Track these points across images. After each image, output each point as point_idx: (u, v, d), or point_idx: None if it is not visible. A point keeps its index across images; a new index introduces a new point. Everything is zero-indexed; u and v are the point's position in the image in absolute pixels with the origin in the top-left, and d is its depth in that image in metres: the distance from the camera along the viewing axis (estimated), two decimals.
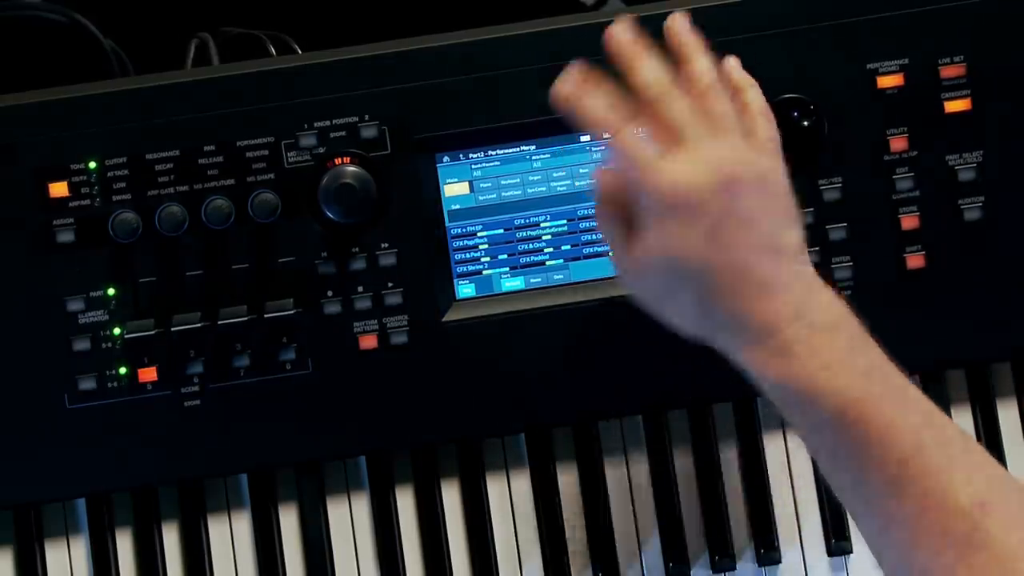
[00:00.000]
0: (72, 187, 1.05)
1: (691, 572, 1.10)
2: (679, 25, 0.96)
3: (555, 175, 1.09)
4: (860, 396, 0.86)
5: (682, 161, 0.88)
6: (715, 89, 0.92)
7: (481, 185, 1.09)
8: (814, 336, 0.88)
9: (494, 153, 1.09)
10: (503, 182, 1.09)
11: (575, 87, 0.93)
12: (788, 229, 0.91)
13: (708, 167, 0.88)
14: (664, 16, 1.07)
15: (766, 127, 0.94)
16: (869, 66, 1.08)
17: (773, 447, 1.12)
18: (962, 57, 1.08)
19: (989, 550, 0.81)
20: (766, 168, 0.91)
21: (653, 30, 1.07)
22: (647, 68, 0.92)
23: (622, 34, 0.94)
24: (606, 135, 0.91)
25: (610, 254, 0.94)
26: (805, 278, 0.90)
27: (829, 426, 0.87)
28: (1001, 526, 0.82)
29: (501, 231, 1.09)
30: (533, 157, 1.09)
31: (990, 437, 1.12)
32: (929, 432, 0.86)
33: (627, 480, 1.12)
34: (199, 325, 1.05)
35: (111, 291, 1.06)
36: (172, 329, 1.05)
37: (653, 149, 0.89)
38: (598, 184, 0.94)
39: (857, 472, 0.86)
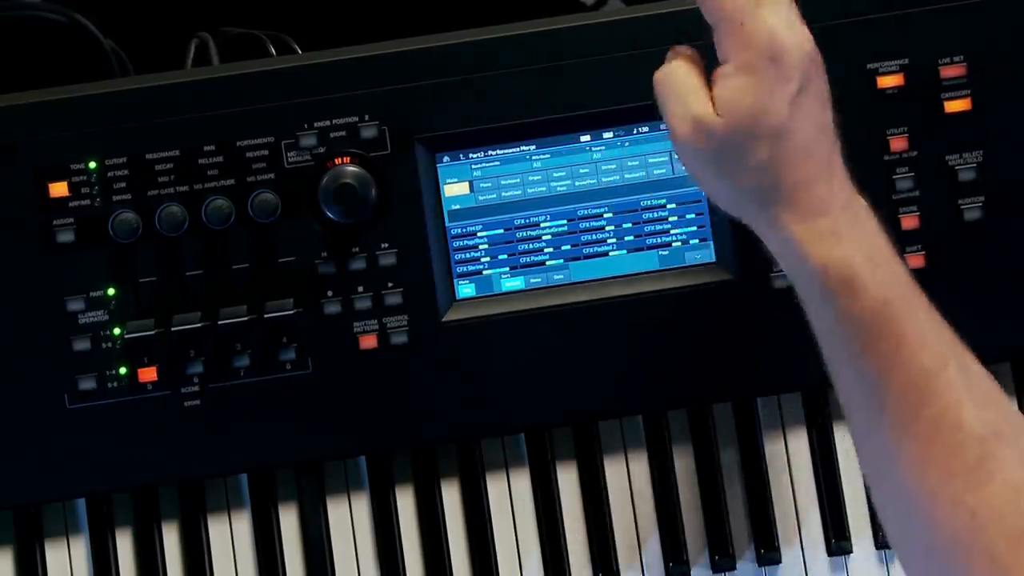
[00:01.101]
0: (72, 187, 1.05)
1: (691, 572, 1.10)
2: None
3: (555, 175, 1.09)
4: (900, 295, 0.86)
5: (785, 16, 0.88)
6: None
7: (481, 185, 1.09)
8: (862, 227, 0.88)
9: (494, 153, 1.09)
10: (503, 182, 1.09)
11: None
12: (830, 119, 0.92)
13: (805, 33, 0.88)
14: (664, 16, 1.08)
15: None
16: (869, 66, 1.08)
17: (773, 447, 1.12)
18: (962, 57, 1.08)
19: (1000, 481, 0.80)
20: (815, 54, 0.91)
21: (653, 30, 1.07)
22: None
23: None
24: None
25: (672, 110, 0.92)
26: (840, 160, 0.91)
27: (862, 319, 0.86)
28: (1014, 459, 0.81)
29: (501, 231, 1.09)
30: (533, 157, 1.09)
31: None
32: (955, 353, 0.86)
33: (627, 480, 1.12)
34: (199, 325, 1.05)
35: (111, 291, 1.06)
36: (172, 329, 1.05)
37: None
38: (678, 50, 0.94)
39: (879, 375, 0.85)
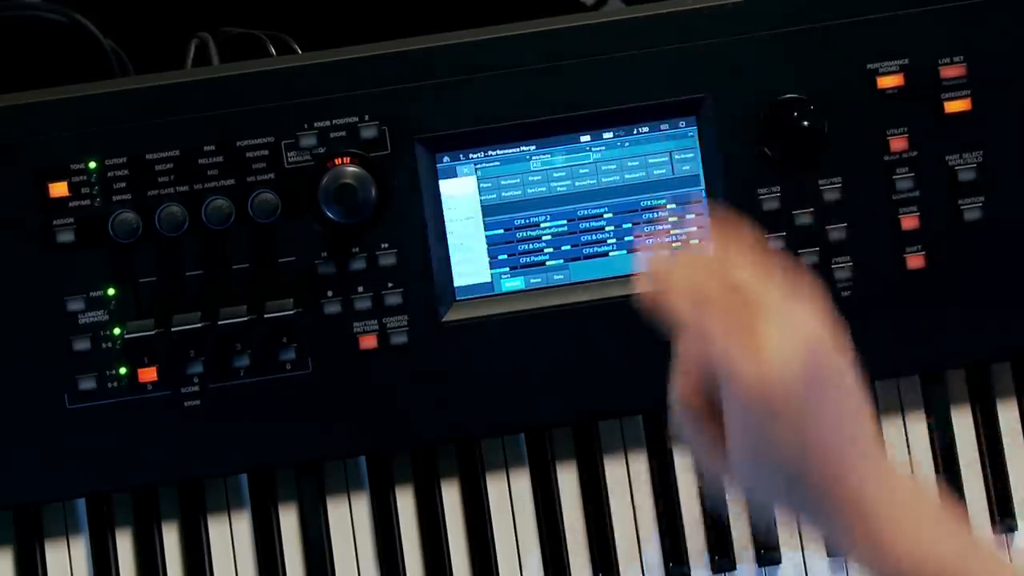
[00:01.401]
0: (72, 187, 1.05)
1: (691, 572, 1.10)
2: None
3: (555, 175, 1.09)
4: (954, 565, 0.83)
5: (767, 355, 0.81)
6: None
7: (481, 185, 1.09)
8: (904, 517, 0.84)
9: (494, 153, 1.09)
10: (503, 182, 1.09)
11: (657, 281, 0.85)
12: (865, 420, 0.86)
13: (796, 360, 0.81)
14: (664, 16, 1.08)
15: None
16: (869, 66, 1.08)
17: None
18: (962, 57, 1.08)
19: None
20: (838, 356, 0.85)
21: (653, 30, 1.07)
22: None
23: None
24: (691, 333, 0.84)
25: (702, 456, 0.88)
26: (885, 460, 0.86)
27: None
28: None
29: (501, 231, 1.09)
30: (533, 157, 1.09)
31: (990, 437, 1.12)
32: None
33: (627, 480, 1.12)
34: (199, 325, 1.05)
35: (111, 291, 1.06)
36: (172, 329, 1.05)
37: (739, 348, 0.82)
38: (677, 388, 0.87)
39: None
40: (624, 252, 1.09)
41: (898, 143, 1.08)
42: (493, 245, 1.09)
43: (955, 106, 1.08)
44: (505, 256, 1.09)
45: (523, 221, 1.09)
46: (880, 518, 0.85)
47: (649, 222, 1.09)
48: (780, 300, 0.83)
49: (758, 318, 0.82)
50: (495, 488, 1.11)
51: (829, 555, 1.11)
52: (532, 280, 1.09)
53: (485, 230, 1.09)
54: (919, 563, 0.84)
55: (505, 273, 1.09)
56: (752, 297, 0.83)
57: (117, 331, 1.06)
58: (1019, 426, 1.13)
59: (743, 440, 0.84)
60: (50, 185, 1.05)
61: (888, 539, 0.84)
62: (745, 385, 0.81)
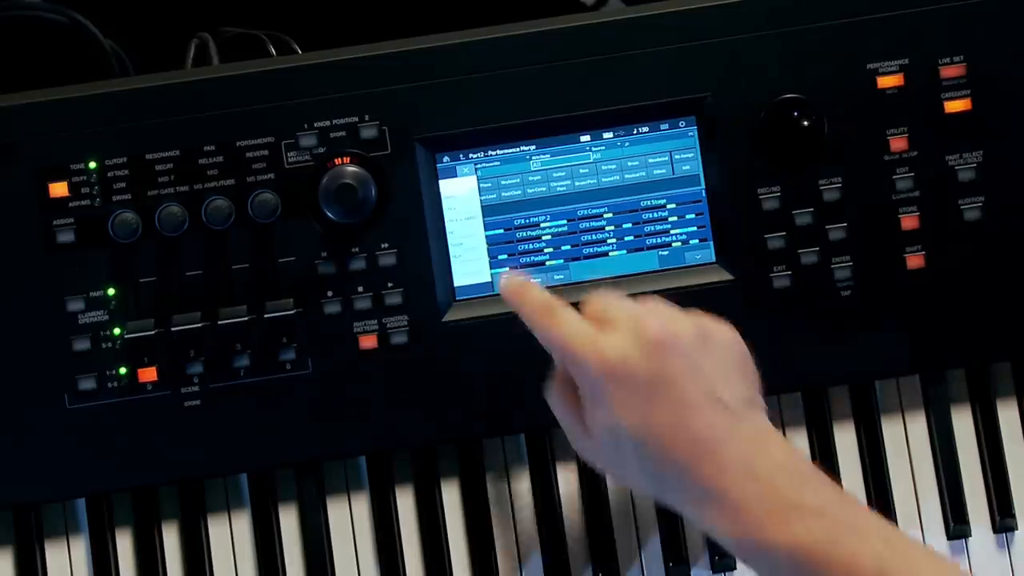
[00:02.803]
0: (72, 187, 1.05)
1: (691, 572, 1.10)
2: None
3: (555, 175, 1.09)
4: (817, 538, 0.85)
5: (609, 334, 0.91)
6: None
7: (481, 185, 1.09)
8: (760, 489, 0.87)
9: (494, 153, 1.09)
10: (503, 182, 1.09)
11: (517, 280, 0.98)
12: (729, 383, 0.91)
13: (633, 335, 0.91)
14: (664, 16, 1.08)
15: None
16: (869, 66, 1.08)
17: None
18: (962, 57, 1.08)
19: None
20: (690, 330, 0.92)
21: (653, 31, 1.07)
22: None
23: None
24: (540, 323, 0.95)
25: (570, 439, 0.98)
26: (752, 428, 0.90)
27: (791, 572, 0.86)
28: None
29: (501, 231, 1.09)
30: (533, 157, 1.09)
31: (990, 437, 1.12)
32: (890, 554, 0.85)
33: None
34: (199, 325, 1.05)
35: (111, 291, 1.06)
36: (172, 329, 1.05)
37: (583, 326, 0.93)
38: (553, 373, 0.97)
39: None
40: (624, 252, 1.09)
41: (898, 143, 1.08)
42: (493, 245, 1.09)
43: (955, 106, 1.08)
44: (505, 256, 1.09)
45: (523, 221, 1.09)
46: (740, 501, 0.87)
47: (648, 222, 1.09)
48: (618, 302, 0.94)
49: (599, 308, 0.94)
50: (495, 488, 1.11)
51: None
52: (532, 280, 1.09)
53: (485, 230, 1.09)
54: (775, 529, 0.86)
55: (505, 273, 1.09)
56: (594, 301, 0.95)
57: (117, 331, 1.06)
58: (1019, 426, 1.13)
59: (594, 421, 0.92)
60: (50, 185, 1.05)
61: (753, 527, 0.86)
62: (584, 364, 0.91)
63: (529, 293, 0.97)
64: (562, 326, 0.93)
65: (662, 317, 0.92)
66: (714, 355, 0.92)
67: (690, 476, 0.88)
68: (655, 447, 0.89)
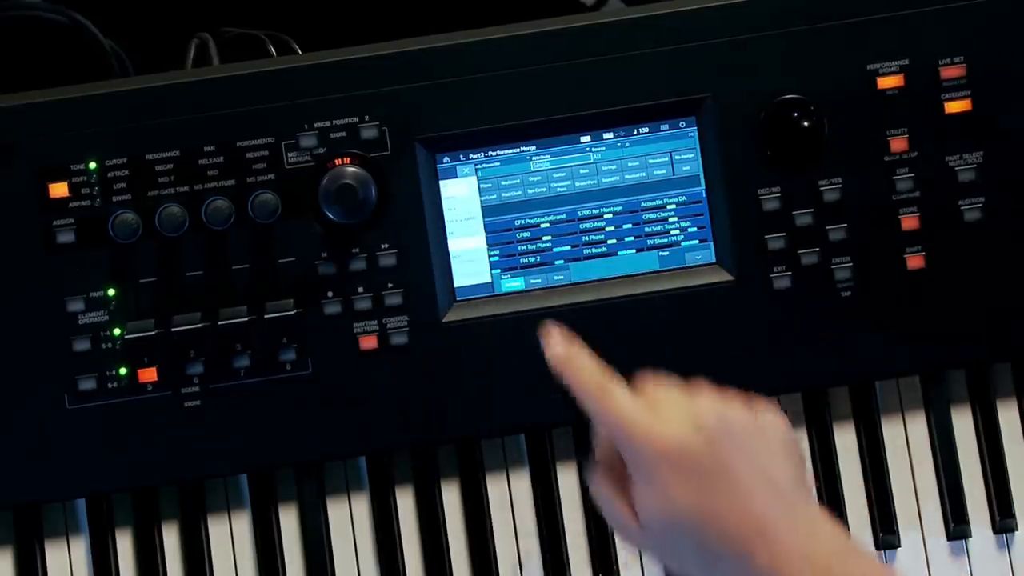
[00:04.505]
0: (72, 187, 1.05)
1: None
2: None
3: (555, 175, 1.09)
4: None
5: (665, 418, 0.89)
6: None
7: (481, 185, 1.09)
8: (816, 571, 0.85)
9: (494, 153, 1.09)
10: (503, 182, 1.09)
11: (565, 349, 0.94)
12: (782, 470, 0.90)
13: (691, 420, 0.88)
14: (664, 16, 1.08)
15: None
16: (869, 66, 1.08)
17: None
18: (962, 57, 1.08)
19: None
20: (744, 417, 0.91)
21: (653, 31, 1.07)
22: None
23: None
24: (593, 400, 0.91)
25: (613, 524, 0.94)
26: (805, 514, 0.89)
27: None
28: None
29: (501, 231, 1.09)
30: (533, 157, 1.09)
31: (990, 437, 1.12)
32: None
33: None
34: (199, 325, 1.05)
35: (111, 291, 1.06)
36: (172, 329, 1.05)
37: (638, 406, 0.90)
38: (595, 456, 0.94)
39: None
40: (624, 253, 1.09)
41: (898, 143, 1.08)
42: (493, 245, 1.09)
43: (955, 106, 1.08)
44: (505, 256, 1.09)
45: (523, 221, 1.09)
46: (791, 563, 0.86)
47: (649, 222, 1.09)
48: (670, 387, 0.91)
49: (652, 391, 0.90)
50: (495, 488, 1.11)
51: None
52: (532, 280, 1.09)
53: (485, 230, 1.09)
54: None
55: (505, 273, 1.09)
56: (647, 384, 0.91)
57: (117, 331, 1.06)
58: (1019, 426, 1.13)
59: (646, 504, 0.89)
60: (50, 185, 1.05)
61: None
62: (639, 445, 0.88)
63: (581, 364, 0.93)
64: (617, 405, 0.90)
65: (716, 404, 0.90)
66: (767, 442, 0.90)
67: (747, 561, 0.87)
68: (712, 532, 0.87)
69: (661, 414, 0.89)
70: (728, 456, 0.88)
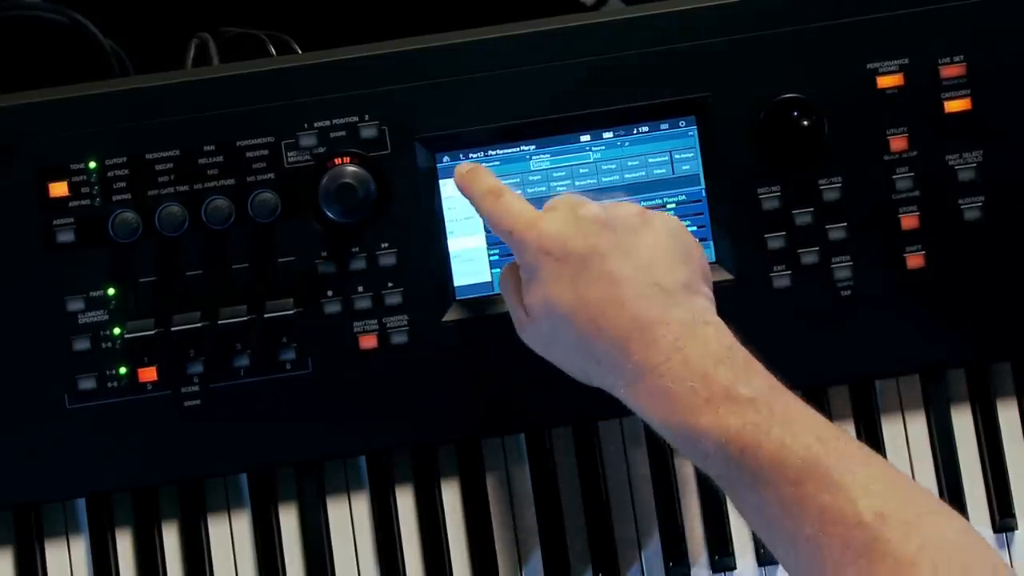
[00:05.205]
0: (72, 187, 1.05)
1: (691, 572, 1.10)
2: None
3: (555, 175, 1.09)
4: (745, 424, 0.86)
5: (550, 214, 0.95)
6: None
7: None
8: (691, 374, 0.88)
9: (494, 153, 1.09)
10: (503, 181, 1.09)
11: (468, 165, 1.02)
12: (667, 267, 0.92)
13: (572, 214, 0.94)
14: (664, 16, 1.08)
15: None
16: (869, 66, 1.08)
17: None
18: (962, 57, 1.08)
19: (890, 558, 0.80)
20: (629, 212, 0.95)
21: (653, 31, 1.07)
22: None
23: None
24: (487, 203, 0.98)
25: (514, 321, 1.01)
26: (688, 312, 0.91)
27: (719, 459, 0.87)
28: (900, 534, 0.81)
29: None
30: (533, 156, 1.09)
31: (990, 437, 1.12)
32: (822, 448, 0.85)
33: (627, 480, 1.12)
34: (199, 325, 1.05)
35: (111, 291, 1.06)
36: (172, 329, 1.05)
37: (526, 207, 0.96)
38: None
39: (755, 497, 0.86)
40: None
41: (898, 143, 1.08)
42: (493, 245, 1.09)
43: (955, 106, 1.08)
44: (505, 256, 1.09)
45: None
46: (671, 384, 0.88)
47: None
48: (568, 193, 0.99)
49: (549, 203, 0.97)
50: (495, 488, 1.11)
51: None
52: None
53: (485, 230, 1.09)
54: (704, 414, 0.87)
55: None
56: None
57: (117, 331, 1.06)
58: (1019, 426, 1.13)
59: (531, 299, 0.95)
60: (50, 185, 1.05)
61: (683, 411, 0.87)
62: (525, 241, 0.94)
63: (479, 177, 1.00)
64: (507, 208, 0.97)
65: (604, 204, 0.95)
66: (653, 238, 0.94)
67: (622, 354, 0.89)
68: (588, 323, 0.91)
69: (548, 213, 0.95)
70: (605, 247, 0.92)
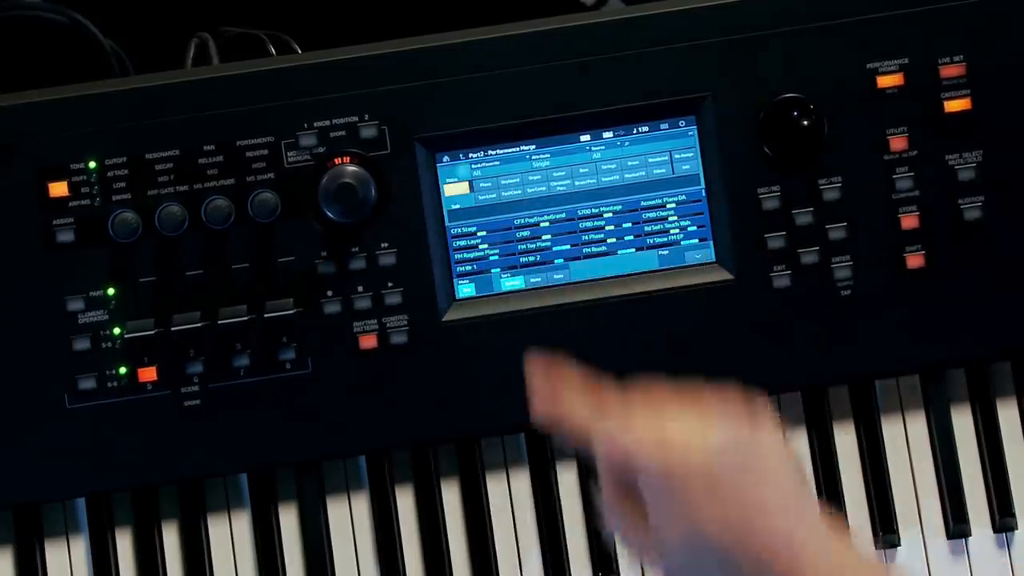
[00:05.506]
0: (72, 187, 1.05)
1: None
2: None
3: (555, 175, 1.09)
4: None
5: (673, 437, 0.83)
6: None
7: (481, 185, 1.09)
8: None
9: (494, 153, 1.09)
10: (503, 182, 1.09)
11: (547, 401, 0.88)
12: (791, 482, 0.85)
13: (703, 441, 0.83)
14: (664, 16, 1.08)
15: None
16: (869, 66, 1.08)
17: None
18: (962, 57, 1.08)
19: None
20: (753, 435, 0.85)
21: (653, 31, 1.07)
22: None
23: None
24: (596, 440, 0.86)
25: (633, 552, 0.91)
26: (817, 524, 0.87)
27: None
28: None
29: (501, 231, 1.09)
30: (533, 157, 1.09)
31: (990, 437, 1.12)
32: None
33: None
34: (199, 325, 1.05)
35: (111, 291, 1.06)
36: (172, 329, 1.05)
37: (642, 433, 0.83)
38: (602, 487, 0.88)
39: None
40: (624, 252, 1.09)
41: (898, 143, 1.08)
42: (493, 245, 1.09)
43: (955, 106, 1.08)
44: (505, 255, 1.09)
45: (523, 221, 1.09)
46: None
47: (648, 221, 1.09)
48: (675, 400, 0.84)
49: (659, 414, 0.83)
50: (495, 488, 1.11)
51: None
52: (532, 280, 1.09)
53: (484, 230, 1.09)
54: None
55: (505, 272, 1.09)
56: (647, 398, 0.84)
57: (117, 331, 1.06)
58: (1019, 426, 1.13)
59: (667, 531, 0.84)
60: (50, 185, 1.05)
61: None
62: (654, 474, 0.82)
63: (571, 408, 0.88)
64: (622, 439, 0.84)
65: (724, 425, 0.84)
66: (777, 457, 0.85)
67: (769, 571, 0.86)
68: (736, 549, 0.83)
69: (670, 438, 0.83)
70: (744, 473, 0.83)
